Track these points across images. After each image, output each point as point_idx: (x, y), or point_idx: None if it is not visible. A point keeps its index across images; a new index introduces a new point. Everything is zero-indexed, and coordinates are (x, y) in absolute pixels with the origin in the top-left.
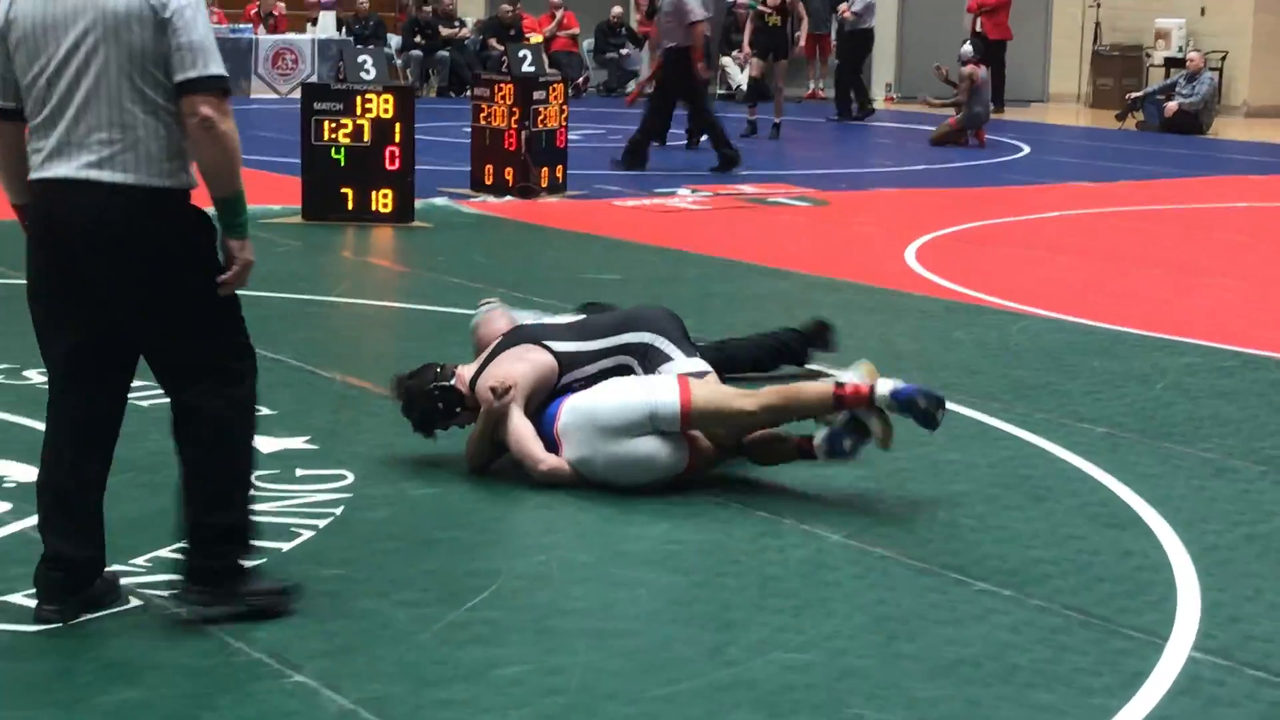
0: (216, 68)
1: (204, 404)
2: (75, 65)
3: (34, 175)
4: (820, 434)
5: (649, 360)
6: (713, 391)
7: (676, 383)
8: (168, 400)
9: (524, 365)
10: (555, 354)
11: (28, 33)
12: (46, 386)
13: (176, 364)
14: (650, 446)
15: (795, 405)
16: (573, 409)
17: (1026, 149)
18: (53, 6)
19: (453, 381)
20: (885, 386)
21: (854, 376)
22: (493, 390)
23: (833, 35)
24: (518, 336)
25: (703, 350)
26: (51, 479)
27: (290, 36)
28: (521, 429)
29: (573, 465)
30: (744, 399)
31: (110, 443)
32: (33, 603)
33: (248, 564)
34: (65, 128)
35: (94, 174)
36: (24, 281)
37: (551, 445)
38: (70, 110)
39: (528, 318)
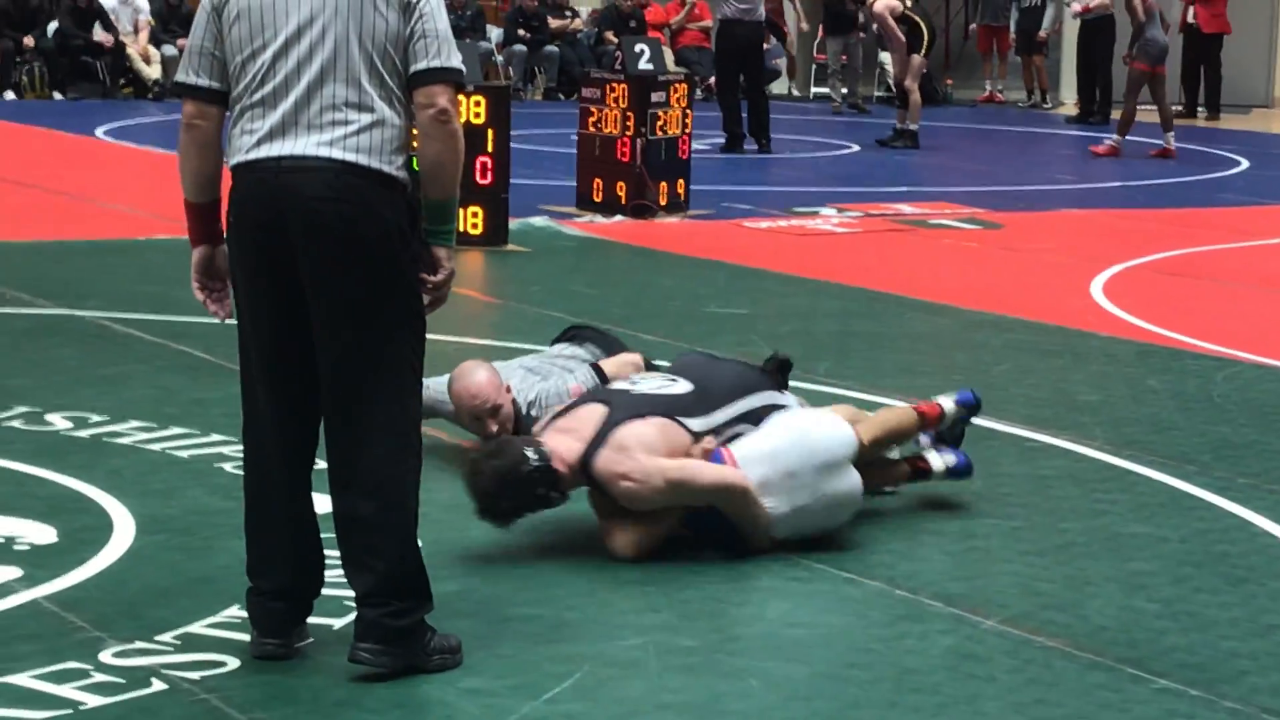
0: (456, 60)
1: (355, 423)
2: (308, 41)
3: (245, 157)
4: (929, 452)
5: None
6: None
7: (833, 412)
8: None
9: (663, 447)
10: (693, 434)
11: (251, 5)
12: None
13: (331, 374)
14: (855, 478)
15: (892, 431)
16: (767, 456)
17: (1245, 163)
18: None
19: (550, 461)
20: (948, 401)
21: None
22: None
23: (1011, 27)
24: (638, 405)
25: None
26: (263, 507)
27: None
28: (704, 470)
29: (777, 520)
30: (860, 428)
31: (313, 451)
32: (46, 687)
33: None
34: (293, 105)
35: (329, 151)
36: (51, 312)
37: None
38: (299, 88)
39: (515, 373)
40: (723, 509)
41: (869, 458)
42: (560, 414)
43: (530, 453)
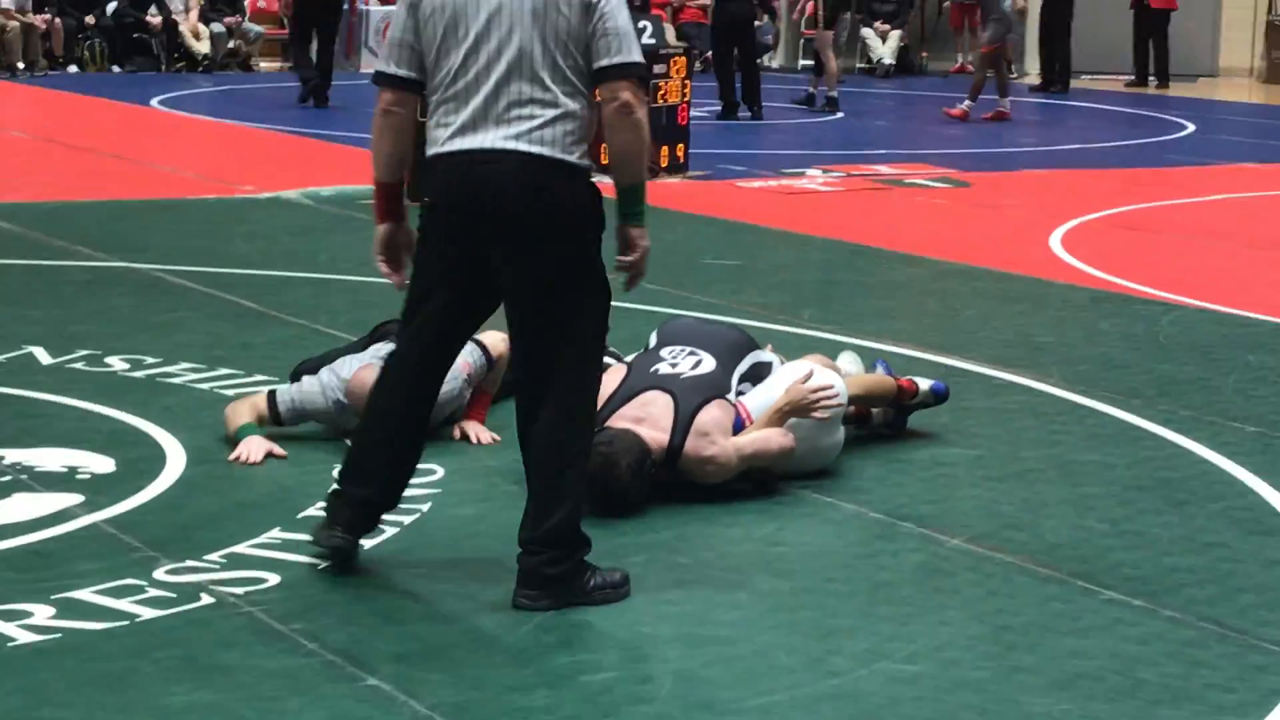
0: (637, 55)
1: (547, 388)
2: (496, 39)
3: (441, 149)
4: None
5: (759, 379)
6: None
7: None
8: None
9: (729, 425)
10: (732, 404)
11: (445, 3)
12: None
13: (528, 343)
14: (841, 434)
15: (872, 391)
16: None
17: (1191, 127)
18: None
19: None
20: (924, 383)
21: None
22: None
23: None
24: (698, 389)
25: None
26: (381, 434)
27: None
28: (770, 441)
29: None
30: (849, 382)
31: (434, 401)
32: (106, 600)
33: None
34: (482, 101)
35: (517, 144)
36: (110, 265)
37: None
38: (488, 85)
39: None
40: (772, 467)
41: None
42: (622, 404)
43: (639, 446)
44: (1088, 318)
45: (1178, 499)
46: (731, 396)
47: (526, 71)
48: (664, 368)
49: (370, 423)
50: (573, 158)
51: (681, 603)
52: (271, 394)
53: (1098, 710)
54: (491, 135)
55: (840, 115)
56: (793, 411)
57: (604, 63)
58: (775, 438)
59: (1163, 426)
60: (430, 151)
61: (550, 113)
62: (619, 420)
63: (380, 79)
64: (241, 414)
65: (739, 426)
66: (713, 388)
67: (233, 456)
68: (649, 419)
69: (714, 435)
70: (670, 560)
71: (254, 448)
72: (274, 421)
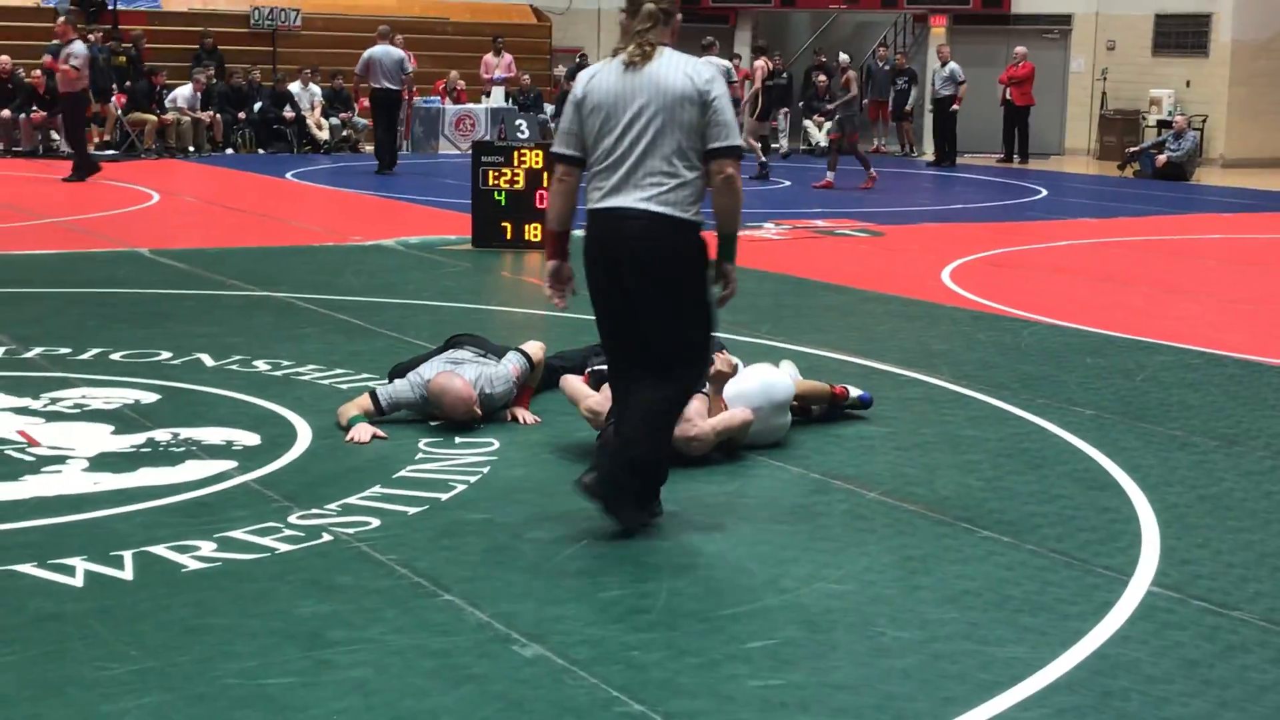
0: (737, 140)
1: (645, 391)
2: (638, 128)
3: (595, 206)
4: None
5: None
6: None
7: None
8: (365, 381)
9: (704, 410)
10: (704, 394)
11: (602, 102)
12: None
13: (651, 342)
14: (788, 418)
15: (813, 392)
16: (744, 396)
17: (1045, 191)
18: (622, 84)
19: None
20: (855, 390)
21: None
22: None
23: (890, 102)
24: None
25: (557, 360)
26: (626, 449)
27: (469, 106)
28: (734, 418)
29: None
30: (796, 383)
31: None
32: (253, 538)
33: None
34: (626, 172)
35: (646, 205)
36: (256, 294)
37: None
38: (631, 160)
39: (467, 369)
40: (735, 436)
41: (796, 402)
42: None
43: None
44: (969, 331)
45: (1035, 463)
46: (706, 388)
47: (658, 151)
48: None
49: (623, 440)
50: (686, 215)
51: (671, 539)
52: (373, 392)
53: (976, 617)
54: (629, 198)
55: (787, 183)
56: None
57: (714, 145)
58: (738, 415)
59: (1024, 410)
60: (586, 206)
61: (672, 181)
62: None
63: (556, 157)
64: (350, 410)
65: None
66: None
67: (348, 439)
68: None
69: (695, 420)
70: (667, 511)
71: (362, 432)
72: (377, 412)
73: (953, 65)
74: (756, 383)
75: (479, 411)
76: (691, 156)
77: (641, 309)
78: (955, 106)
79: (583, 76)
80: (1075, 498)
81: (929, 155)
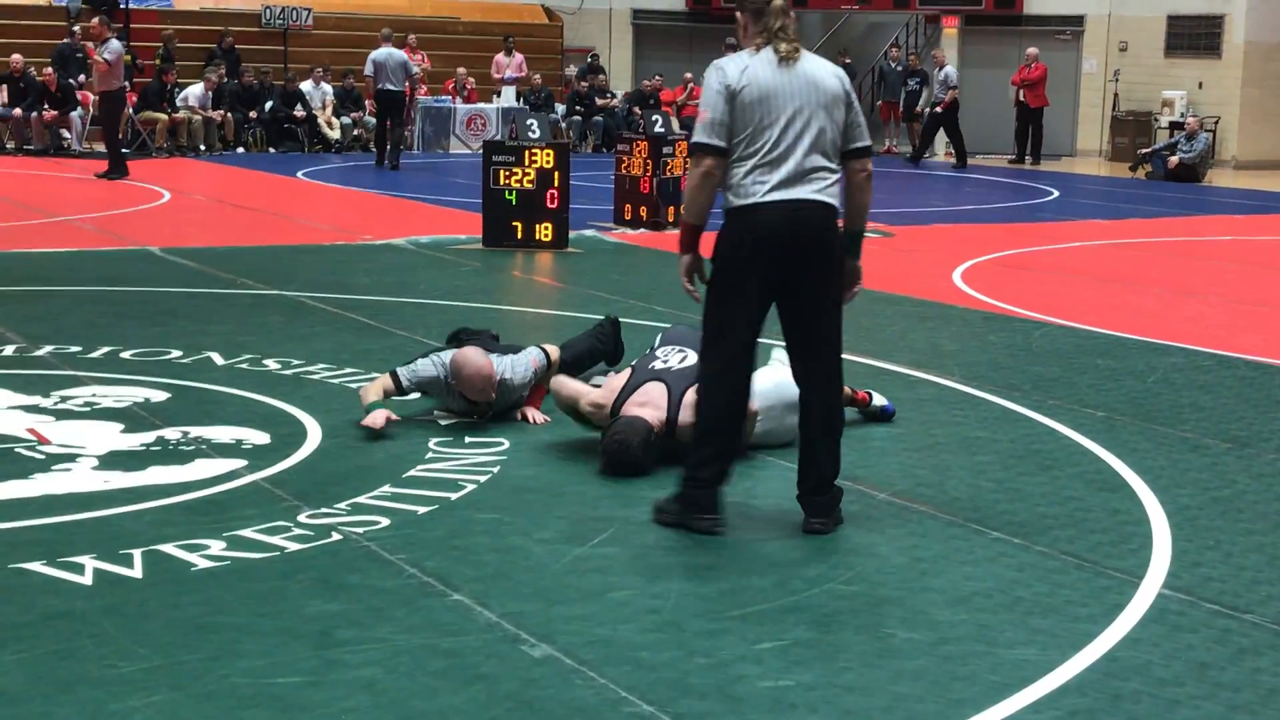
0: (869, 139)
1: (825, 363)
2: (800, 124)
3: (762, 199)
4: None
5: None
6: None
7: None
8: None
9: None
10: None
11: (763, 95)
12: (706, 340)
13: (817, 333)
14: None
15: None
16: (757, 394)
17: (1056, 193)
18: (780, 79)
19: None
20: (879, 399)
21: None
22: None
23: (901, 103)
24: (685, 379)
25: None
26: (718, 421)
27: (480, 105)
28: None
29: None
30: None
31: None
32: (263, 537)
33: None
34: (794, 165)
35: (820, 196)
36: (266, 292)
37: None
38: (798, 153)
39: (506, 360)
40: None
41: None
42: (629, 394)
43: (645, 427)
44: (980, 332)
45: (1046, 464)
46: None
47: (819, 147)
48: (658, 364)
49: (708, 412)
50: (840, 207)
51: (683, 540)
52: (394, 372)
53: (986, 619)
54: (804, 190)
55: None
56: None
57: (858, 144)
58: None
59: (1035, 412)
60: (749, 200)
61: (832, 176)
62: (630, 408)
63: (706, 149)
64: (370, 393)
65: None
66: (696, 375)
67: (364, 423)
68: (650, 403)
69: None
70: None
71: (379, 417)
72: (397, 391)
73: (948, 69)
74: (769, 382)
75: (493, 395)
76: (834, 154)
77: (813, 294)
78: (939, 110)
79: (731, 68)
80: (1086, 499)
81: (940, 156)
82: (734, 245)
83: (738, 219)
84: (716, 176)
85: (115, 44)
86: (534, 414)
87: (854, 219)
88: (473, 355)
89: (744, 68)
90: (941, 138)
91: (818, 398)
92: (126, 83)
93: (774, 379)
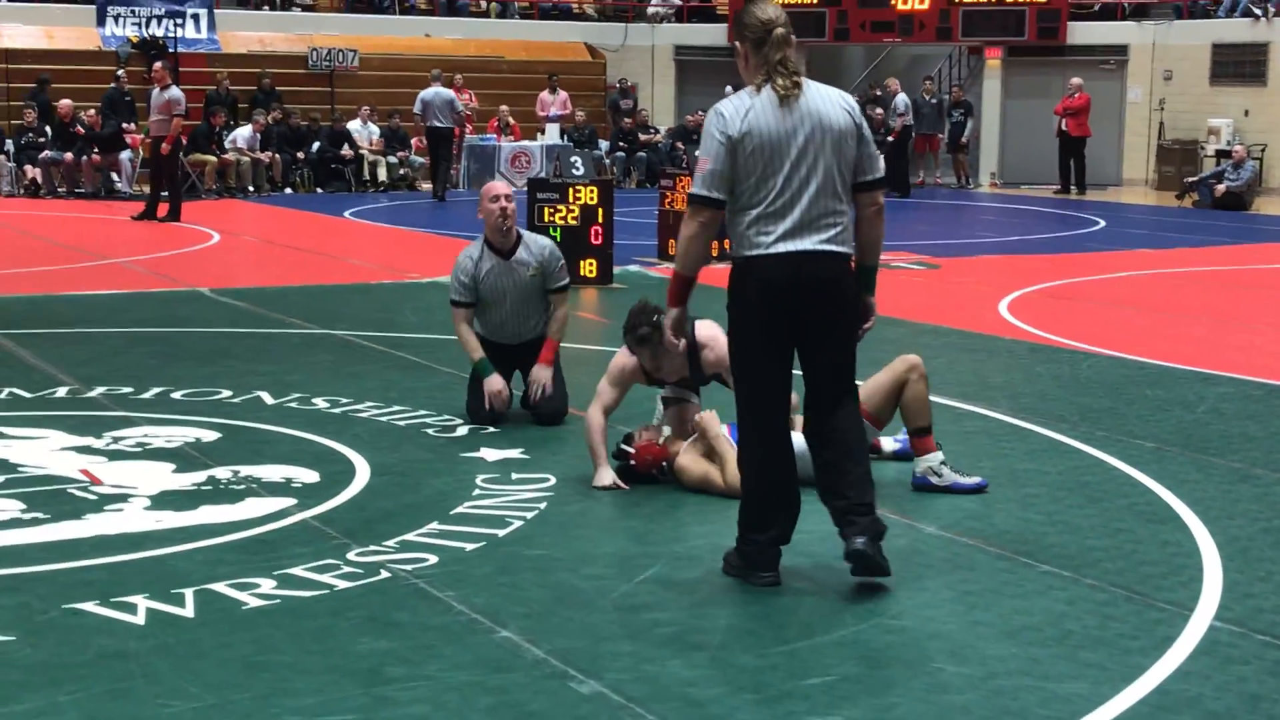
0: (882, 171)
1: (842, 404)
2: (806, 167)
3: (768, 250)
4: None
5: None
6: None
7: None
8: (423, 418)
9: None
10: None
11: (765, 143)
12: (741, 402)
13: (830, 369)
14: None
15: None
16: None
17: (1103, 222)
18: (784, 121)
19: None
20: (889, 444)
21: None
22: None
23: (945, 134)
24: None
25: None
26: (771, 476)
27: (525, 143)
28: None
29: None
30: None
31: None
32: (312, 575)
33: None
34: (801, 213)
35: (829, 246)
36: (315, 331)
37: None
38: (804, 201)
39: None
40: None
41: None
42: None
43: (654, 308)
44: (1027, 364)
45: (1095, 496)
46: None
47: (828, 189)
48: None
49: (758, 481)
50: (851, 251)
51: (727, 575)
52: (457, 309)
53: (1037, 653)
54: (811, 240)
55: None
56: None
57: (869, 177)
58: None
59: (1083, 443)
60: (754, 252)
61: (843, 220)
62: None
63: (703, 201)
64: (473, 349)
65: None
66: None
67: (487, 390)
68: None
69: (717, 337)
70: (720, 543)
71: (497, 382)
72: (471, 303)
73: (900, 97)
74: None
75: (510, 209)
76: (845, 191)
77: (828, 342)
78: (891, 139)
79: (731, 114)
80: (1136, 531)
81: (985, 187)
82: (743, 298)
83: (744, 271)
84: (711, 229)
85: (177, 91)
86: (540, 382)
87: (866, 254)
88: (494, 183)
89: (745, 112)
90: (986, 165)
91: (834, 423)
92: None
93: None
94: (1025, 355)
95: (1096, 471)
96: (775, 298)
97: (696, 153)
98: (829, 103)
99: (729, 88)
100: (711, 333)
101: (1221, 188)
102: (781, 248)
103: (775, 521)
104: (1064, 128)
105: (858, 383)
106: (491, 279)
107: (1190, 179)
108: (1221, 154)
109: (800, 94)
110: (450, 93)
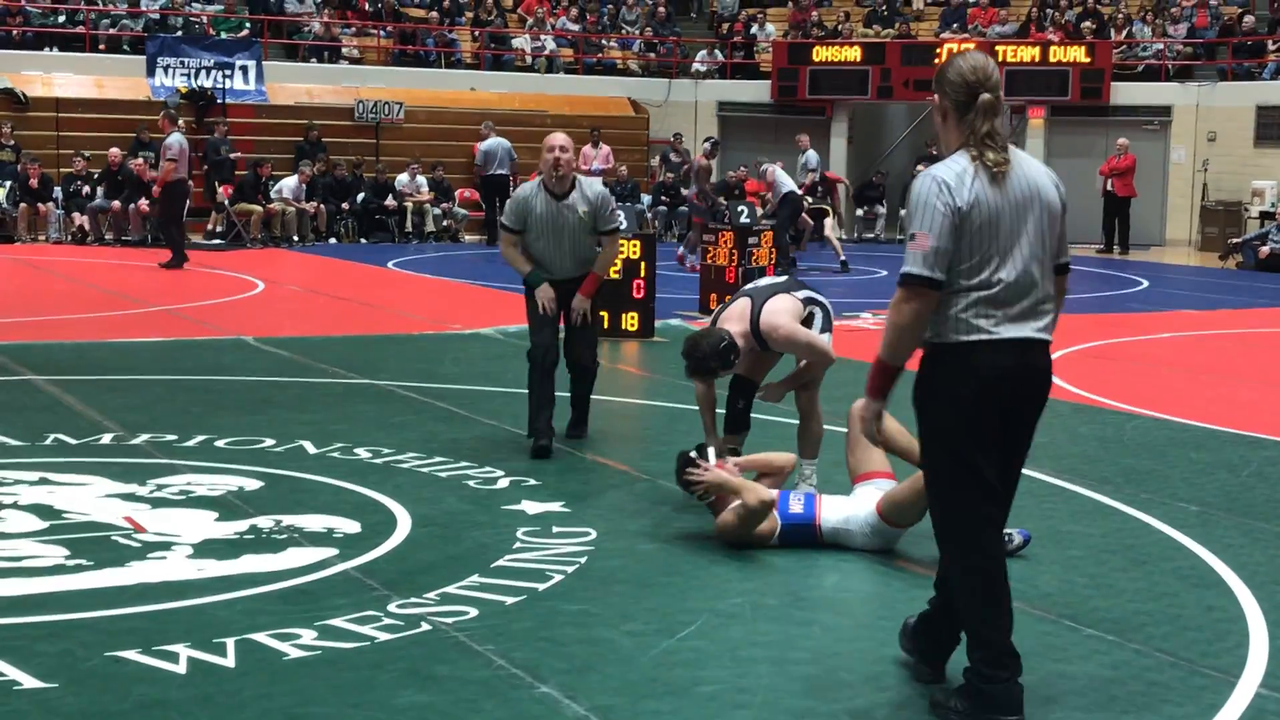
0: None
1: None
2: (1028, 248)
3: (989, 336)
4: None
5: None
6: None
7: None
8: (464, 470)
9: (793, 311)
10: (800, 300)
11: (989, 218)
12: (946, 518)
13: (1016, 478)
14: (897, 533)
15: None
16: (840, 511)
17: (1146, 283)
18: (1004, 196)
19: (733, 339)
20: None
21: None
22: None
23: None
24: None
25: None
26: (1000, 604)
27: None
28: (810, 336)
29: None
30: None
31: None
32: (353, 626)
33: None
34: (1033, 299)
35: (1044, 335)
36: (357, 381)
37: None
38: (1027, 281)
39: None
40: (817, 370)
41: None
42: (722, 311)
43: (724, 334)
44: (1070, 424)
45: (1139, 559)
46: (801, 294)
47: (1045, 272)
48: (749, 287)
49: (998, 639)
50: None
51: (770, 633)
52: (504, 232)
53: (1080, 718)
54: (1032, 327)
55: (883, 273)
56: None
57: (1064, 260)
58: (820, 337)
59: (1128, 505)
60: (974, 337)
61: (1053, 306)
62: (721, 320)
63: (924, 283)
64: (519, 263)
65: (810, 508)
66: (782, 287)
67: (539, 297)
68: (735, 317)
69: (780, 313)
70: (761, 601)
71: (548, 292)
72: (519, 233)
73: (810, 154)
74: (858, 506)
75: (566, 157)
76: (1052, 275)
77: (1025, 438)
78: (801, 192)
79: (956, 183)
80: (1181, 595)
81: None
82: (952, 388)
83: (958, 356)
84: (927, 313)
85: (175, 138)
86: (584, 308)
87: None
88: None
89: (969, 182)
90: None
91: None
92: (188, 176)
93: (860, 508)
94: (1069, 415)
95: (1140, 534)
96: (997, 387)
97: (911, 229)
98: (1042, 176)
99: (800, 135)
100: (773, 320)
101: (1265, 249)
102: (1007, 332)
103: (1009, 650)
104: (1110, 187)
105: (880, 491)
106: (541, 216)
107: (1234, 240)
108: (1265, 215)
109: (1009, 169)
110: (508, 143)
